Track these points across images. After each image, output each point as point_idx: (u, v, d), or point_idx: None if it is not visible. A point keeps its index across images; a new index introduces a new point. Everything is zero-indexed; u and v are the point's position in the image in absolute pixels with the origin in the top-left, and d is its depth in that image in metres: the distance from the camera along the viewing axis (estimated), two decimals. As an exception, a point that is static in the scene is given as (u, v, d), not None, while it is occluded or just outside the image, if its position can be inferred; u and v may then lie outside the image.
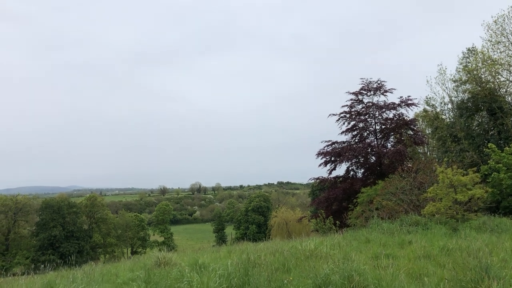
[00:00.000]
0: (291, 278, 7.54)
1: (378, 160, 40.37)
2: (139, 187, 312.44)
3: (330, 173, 41.37)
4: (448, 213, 16.05)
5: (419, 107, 44.26)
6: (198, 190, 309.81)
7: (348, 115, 42.15)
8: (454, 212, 16.10)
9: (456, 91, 41.55)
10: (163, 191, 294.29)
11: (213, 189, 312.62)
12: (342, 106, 41.84)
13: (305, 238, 14.91)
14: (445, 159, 33.78)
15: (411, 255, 10.06)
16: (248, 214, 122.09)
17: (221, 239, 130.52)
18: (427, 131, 47.76)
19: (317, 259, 9.91)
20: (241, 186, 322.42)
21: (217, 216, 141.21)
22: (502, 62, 39.12)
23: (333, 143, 42.21)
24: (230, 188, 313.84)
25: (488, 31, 40.05)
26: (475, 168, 21.26)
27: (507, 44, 39.67)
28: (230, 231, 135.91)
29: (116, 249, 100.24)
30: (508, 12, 39.65)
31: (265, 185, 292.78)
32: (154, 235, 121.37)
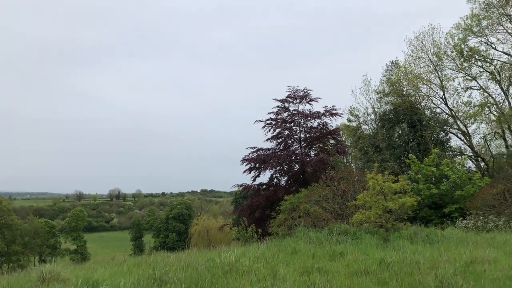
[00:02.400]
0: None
1: (301, 168, 39.97)
2: (54, 192, 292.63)
3: (254, 180, 40.33)
4: (378, 222, 15.20)
5: (343, 117, 44.69)
6: (117, 196, 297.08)
7: (274, 122, 41.39)
8: (384, 221, 15.29)
9: (379, 102, 42.39)
10: (79, 196, 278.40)
11: (134, 196, 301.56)
12: (268, 113, 41.02)
13: (225, 248, 13.18)
14: (371, 169, 33.85)
15: (346, 270, 8.74)
16: (168, 222, 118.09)
17: (138, 248, 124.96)
18: (348, 142, 48.44)
19: (238, 274, 8.25)
20: (163, 193, 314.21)
21: (135, 224, 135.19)
22: (422, 77, 40.49)
23: (258, 149, 41.19)
24: (151, 195, 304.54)
25: (410, 46, 41.37)
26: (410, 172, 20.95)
27: (426, 61, 41.16)
28: (149, 239, 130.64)
29: (22, 258, 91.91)
30: (428, 30, 41.27)
31: (188, 192, 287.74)
32: (65, 242, 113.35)
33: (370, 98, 43.66)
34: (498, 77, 38.33)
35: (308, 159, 39.60)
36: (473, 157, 40.32)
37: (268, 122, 41.32)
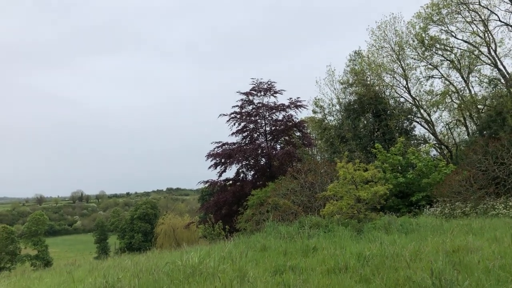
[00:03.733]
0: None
1: (268, 162, 39.39)
2: (12, 196, 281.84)
3: (220, 175, 39.50)
4: (350, 212, 14.56)
5: (307, 108, 44.37)
6: (80, 198, 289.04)
7: (238, 116, 40.57)
8: (356, 212, 14.65)
9: (344, 92, 42.16)
10: (40, 200, 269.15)
11: (97, 197, 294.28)
12: (233, 107, 40.17)
13: (189, 248, 12.15)
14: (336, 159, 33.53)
15: (323, 267, 7.92)
16: (133, 222, 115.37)
17: (103, 250, 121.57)
18: (313, 134, 48.15)
19: (201, 278, 7.28)
20: (128, 194, 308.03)
21: (99, 226, 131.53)
22: (386, 66, 40.50)
23: (223, 144, 40.34)
24: (115, 196, 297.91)
25: (372, 36, 41.30)
26: (377, 162, 20.54)
27: (389, 50, 41.20)
28: (114, 240, 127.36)
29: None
30: (390, 19, 41.32)
31: (153, 191, 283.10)
32: (25, 248, 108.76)
33: (335, 89, 43.41)
34: (458, 65, 38.76)
35: (274, 152, 39.05)
36: (437, 145, 40.74)
37: (232, 116, 40.52)
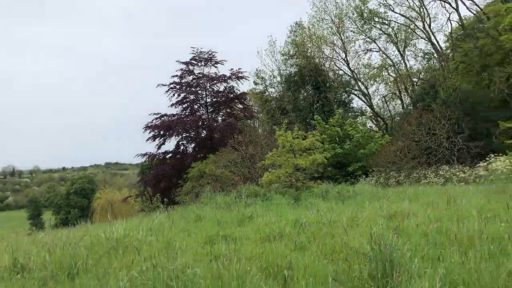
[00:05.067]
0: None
1: (209, 134, 38.57)
2: None
3: (158, 148, 38.11)
4: (288, 181, 14.34)
5: (249, 79, 43.72)
6: (11, 173, 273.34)
7: (178, 86, 39.08)
8: (294, 180, 14.46)
9: (285, 64, 41.95)
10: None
11: (31, 172, 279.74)
12: (172, 76, 38.56)
13: (119, 221, 11.39)
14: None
15: (257, 235, 7.54)
16: (69, 198, 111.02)
17: (37, 227, 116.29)
18: (256, 108, 47.84)
19: (127, 251, 6.66)
20: (64, 168, 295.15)
21: (32, 201, 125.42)
22: (326, 38, 40.60)
23: (162, 116, 38.82)
24: (50, 171, 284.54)
25: (313, 7, 41.12)
26: (315, 132, 20.49)
27: (329, 22, 41.27)
28: (49, 216, 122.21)
29: None
30: (331, -9, 41.28)
31: (91, 166, 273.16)
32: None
33: (276, 60, 43.07)
34: (395, 39, 39.60)
35: (215, 124, 38.27)
36: (373, 117, 41.84)
37: (171, 86, 38.93)
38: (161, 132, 38.13)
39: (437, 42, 36.56)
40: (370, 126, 40.08)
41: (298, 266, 5.19)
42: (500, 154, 19.49)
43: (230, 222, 9.49)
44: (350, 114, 37.54)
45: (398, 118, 40.23)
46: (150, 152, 39.10)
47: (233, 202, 12.02)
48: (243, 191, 13.19)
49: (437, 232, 6.44)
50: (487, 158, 19.88)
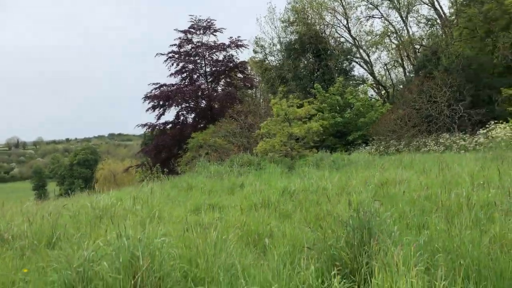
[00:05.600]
0: (25, 270, 4.14)
1: (208, 104, 38.21)
2: None
3: (158, 118, 37.86)
4: (283, 150, 14.15)
5: (248, 48, 43.00)
6: (16, 145, 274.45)
7: (177, 56, 38.43)
8: (289, 149, 14.28)
9: (285, 31, 41.14)
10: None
11: (35, 143, 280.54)
12: (171, 45, 37.89)
13: (111, 190, 11.30)
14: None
15: (244, 203, 7.42)
16: (73, 169, 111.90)
17: (41, 198, 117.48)
18: (256, 77, 47.27)
19: (115, 219, 6.54)
20: (67, 140, 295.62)
21: (36, 173, 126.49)
22: (327, 4, 39.65)
23: (161, 85, 38.34)
24: (54, 142, 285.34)
25: (315, -29, 39.98)
26: (312, 99, 20.18)
27: (330, -13, 40.21)
28: (53, 187, 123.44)
29: None
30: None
31: (95, 137, 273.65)
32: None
33: (276, 27, 42.23)
34: (398, 5, 38.59)
35: (215, 94, 37.86)
36: (375, 85, 41.31)
37: (170, 55, 38.30)
38: (161, 103, 37.82)
39: (441, 7, 35.67)
40: (371, 95, 39.66)
41: (279, 234, 5.08)
42: (501, 121, 19.20)
43: (220, 191, 9.39)
44: (351, 82, 37.01)
45: (400, 86, 39.72)
46: (151, 123, 38.90)
47: (226, 171, 11.90)
48: (237, 160, 13.04)
49: (426, 199, 6.29)
50: (487, 126, 19.59)
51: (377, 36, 40.37)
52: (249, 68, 44.17)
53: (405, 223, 5.24)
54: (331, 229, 4.49)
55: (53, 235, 5.55)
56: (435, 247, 4.03)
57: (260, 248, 4.87)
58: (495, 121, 19.66)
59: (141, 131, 45.20)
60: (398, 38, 39.61)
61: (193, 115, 39.79)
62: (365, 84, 38.29)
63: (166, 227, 5.44)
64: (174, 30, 38.14)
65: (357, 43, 40.12)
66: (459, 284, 3.09)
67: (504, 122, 18.90)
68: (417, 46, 38.45)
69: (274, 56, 42.76)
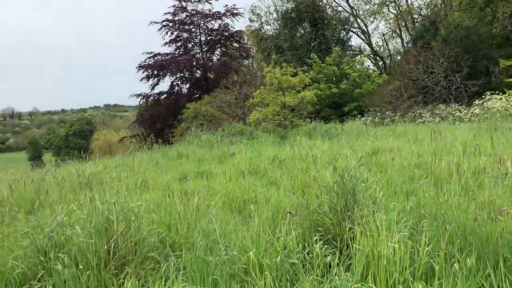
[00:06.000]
0: (0, 236, 4.03)
1: (204, 74, 37.69)
2: None
3: (152, 88, 37.36)
4: (276, 119, 13.97)
5: (244, 16, 42.20)
6: (11, 115, 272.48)
7: (171, 24, 37.63)
8: (282, 118, 14.10)
9: (281, 0, 40.29)
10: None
11: (30, 114, 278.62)
12: (165, 13, 37.05)
13: (105, 159, 11.19)
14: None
15: (232, 171, 7.30)
16: (68, 139, 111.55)
17: (38, 168, 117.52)
18: (253, 48, 46.52)
19: (97, 185, 6.43)
20: (63, 110, 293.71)
21: (32, 143, 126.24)
22: (324, -28, 38.69)
23: (156, 55, 37.69)
24: (50, 113, 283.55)
25: None
26: (305, 68, 19.83)
27: (327, -44, 39.15)
28: (49, 158, 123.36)
29: None
30: None
31: (90, 108, 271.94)
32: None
33: (272, -6, 41.29)
34: (397, -27, 37.79)
35: (210, 64, 37.31)
36: (372, 56, 40.80)
37: (164, 23, 37.52)
38: (155, 72, 37.29)
39: (441, -24, 34.87)
40: (368, 66, 39.23)
41: (264, 201, 4.98)
42: (497, 93, 19.02)
43: (210, 159, 9.26)
44: (348, 53, 36.52)
45: (397, 57, 39.26)
46: (145, 93, 38.44)
47: (218, 140, 11.75)
48: (229, 129, 12.87)
49: (416, 167, 6.18)
50: (483, 96, 19.42)
51: (375, 6, 39.60)
52: (245, 37, 43.43)
53: (393, 190, 5.14)
54: (316, 195, 4.38)
55: (34, 202, 5.42)
56: (421, 213, 3.93)
57: (245, 215, 4.77)
58: (492, 92, 19.48)
59: (137, 102, 44.75)
60: (397, 8, 38.92)
61: (188, 85, 39.29)
62: (362, 55, 37.79)
63: (150, 193, 5.32)
64: (169, -3, 37.26)
65: (354, 12, 39.40)
66: (443, 250, 3.00)
67: (501, 94, 18.72)
68: (416, 16, 37.80)
69: (270, 25, 42.03)
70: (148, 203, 4.41)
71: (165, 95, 38.62)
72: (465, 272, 2.83)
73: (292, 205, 4.65)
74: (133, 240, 3.38)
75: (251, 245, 3.35)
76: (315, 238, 3.50)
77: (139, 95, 39.27)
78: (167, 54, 37.57)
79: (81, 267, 3.04)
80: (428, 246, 2.95)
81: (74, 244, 3.26)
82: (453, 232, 3.36)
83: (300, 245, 3.52)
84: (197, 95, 36.40)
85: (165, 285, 2.78)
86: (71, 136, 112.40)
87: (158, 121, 37.44)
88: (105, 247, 3.20)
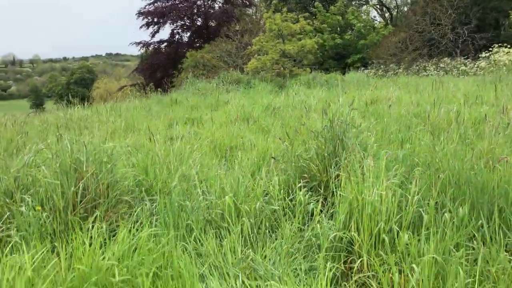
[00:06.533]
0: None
1: (205, 22, 36.67)
2: None
3: (153, 36, 36.53)
4: (275, 68, 13.54)
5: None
6: (12, 62, 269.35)
7: (170, -33, 36.26)
8: (281, 67, 13.66)
9: None
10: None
11: (31, 61, 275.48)
12: (165, -44, 35.58)
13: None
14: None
15: (223, 118, 7.04)
16: (70, 88, 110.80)
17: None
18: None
19: (84, 129, 6.21)
20: (65, 58, 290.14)
21: (33, 91, 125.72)
22: None
23: (156, 1, 36.55)
24: (51, 61, 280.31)
25: None
26: (306, 14, 19.07)
27: None
28: (51, 106, 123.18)
29: None
30: None
31: (92, 56, 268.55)
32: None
33: None
34: None
35: (211, 11, 36.24)
36: (378, 6, 39.48)
37: (163, -33, 36.23)
38: (155, 20, 36.35)
39: None
40: (374, 16, 37.99)
41: (250, 146, 4.77)
42: (505, 45, 18.38)
43: (204, 107, 8.98)
44: (353, 2, 35.28)
45: (404, 8, 37.98)
46: (145, 41, 37.66)
47: (214, 88, 11.42)
48: (226, 77, 12.51)
49: (414, 116, 5.91)
50: (490, 49, 18.81)
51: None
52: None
53: (387, 138, 4.90)
54: (304, 141, 4.15)
55: (13, 143, 5.22)
56: (415, 162, 3.71)
57: (230, 161, 4.56)
58: (500, 44, 18.84)
59: (138, 51, 43.94)
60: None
61: (188, 34, 38.38)
62: (368, 5, 36.52)
63: (133, 138, 5.10)
64: None
65: (362, -41, 37.71)
66: (434, 199, 2.79)
67: (509, 46, 18.09)
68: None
69: (274, -29, 40.39)
70: (127, 147, 4.19)
71: (165, 44, 37.85)
72: (456, 222, 2.63)
73: (280, 152, 4.43)
74: (104, 182, 3.19)
75: (230, 191, 3.15)
76: (299, 185, 3.30)
77: (139, 43, 38.48)
78: (167, 1, 36.48)
79: (38, 208, 2.85)
80: (417, 194, 2.74)
81: (41, 186, 3.07)
82: (447, 181, 3.15)
83: (282, 191, 3.33)
84: (197, 44, 35.63)
85: (134, 229, 2.61)
86: (73, 84, 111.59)
87: (158, 70, 36.89)
88: (72, 189, 3.01)
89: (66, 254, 2.41)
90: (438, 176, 3.15)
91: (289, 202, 3.32)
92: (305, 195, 3.21)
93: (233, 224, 2.91)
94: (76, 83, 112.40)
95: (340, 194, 2.87)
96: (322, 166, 3.64)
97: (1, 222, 2.90)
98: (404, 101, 7.48)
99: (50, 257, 2.43)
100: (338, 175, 3.24)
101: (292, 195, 3.37)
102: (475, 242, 2.59)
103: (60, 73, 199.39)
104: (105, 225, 2.78)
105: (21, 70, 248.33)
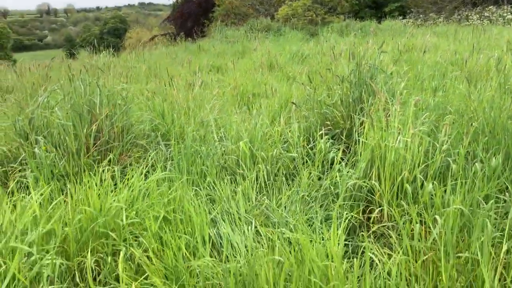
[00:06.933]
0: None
1: (238, -32, 35.44)
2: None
3: (184, -17, 35.76)
4: (307, 15, 12.99)
5: None
6: (47, 12, 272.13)
7: None
8: (314, 14, 13.10)
9: None
10: (4, 13, 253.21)
11: (65, 11, 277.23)
12: None
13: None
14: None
15: (248, 65, 6.82)
16: (103, 37, 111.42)
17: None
18: None
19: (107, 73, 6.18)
20: (98, 8, 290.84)
21: (68, 41, 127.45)
22: None
23: None
24: (85, 10, 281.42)
25: None
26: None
27: None
28: (83, 55, 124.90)
29: None
30: None
31: (125, 6, 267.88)
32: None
33: None
34: None
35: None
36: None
37: None
38: (187, -35, 35.46)
39: None
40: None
41: (272, 93, 4.58)
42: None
43: (232, 55, 8.75)
44: None
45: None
46: (175, -12, 37.04)
47: (242, 36, 11.09)
48: (255, 25, 12.11)
49: (451, 64, 5.53)
50: (541, -4, 17.46)
51: None
52: None
53: (420, 85, 4.60)
54: (328, 86, 3.93)
55: (37, 87, 5.22)
56: (447, 110, 3.46)
57: (251, 108, 4.41)
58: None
59: (171, 1, 43.34)
60: None
61: (222, -20, 37.33)
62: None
63: (153, 83, 5.00)
64: None
65: None
66: (465, 147, 2.57)
67: None
68: None
69: None
70: (146, 90, 4.09)
71: (197, -9, 37.06)
72: (488, 173, 2.42)
73: (303, 98, 4.23)
74: (119, 125, 3.11)
75: (247, 137, 3.02)
76: (320, 133, 3.12)
77: (169, -10, 37.75)
78: None
79: (44, 147, 2.81)
80: (447, 143, 2.53)
81: (55, 128, 3.03)
82: (480, 129, 2.91)
83: (302, 139, 3.17)
84: (230, -8, 34.70)
85: (147, 172, 2.54)
86: (106, 34, 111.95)
87: (189, 20, 36.33)
88: (85, 130, 2.95)
89: (76, 195, 2.37)
90: (471, 124, 2.90)
91: (309, 150, 3.17)
92: (326, 143, 3.04)
93: (248, 171, 2.80)
94: (109, 33, 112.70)
95: (362, 141, 2.69)
96: (346, 112, 3.45)
97: (17, 163, 2.89)
98: (441, 48, 7.02)
99: (59, 197, 2.39)
100: (362, 122, 3.05)
101: (313, 143, 3.22)
102: (507, 194, 2.39)
103: (93, 23, 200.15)
104: (118, 168, 2.72)
105: (56, 20, 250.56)
